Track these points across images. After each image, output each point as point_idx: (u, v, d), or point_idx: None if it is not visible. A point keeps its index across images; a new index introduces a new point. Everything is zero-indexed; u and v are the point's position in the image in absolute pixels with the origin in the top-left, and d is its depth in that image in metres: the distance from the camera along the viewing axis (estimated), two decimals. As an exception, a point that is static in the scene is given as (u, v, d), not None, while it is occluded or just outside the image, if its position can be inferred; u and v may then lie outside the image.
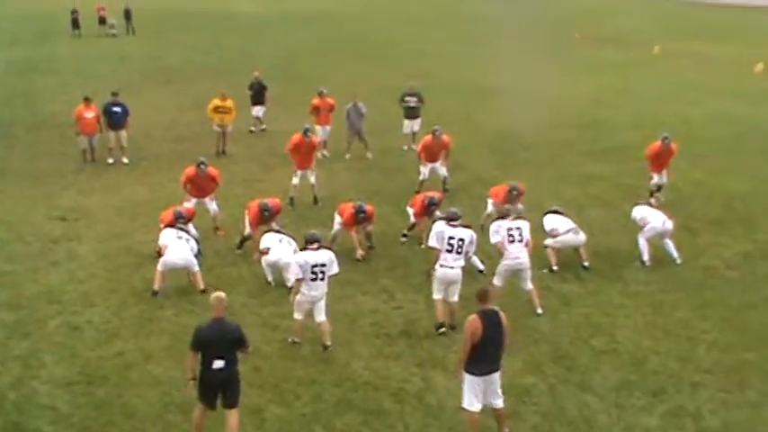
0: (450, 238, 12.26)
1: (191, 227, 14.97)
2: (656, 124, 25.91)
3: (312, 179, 18.33)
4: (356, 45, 45.12)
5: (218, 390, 9.32)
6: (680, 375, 11.28)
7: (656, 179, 18.15)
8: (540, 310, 13.08)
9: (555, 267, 14.63)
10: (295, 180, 18.20)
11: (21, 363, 11.53)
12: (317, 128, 22.08)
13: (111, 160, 21.63)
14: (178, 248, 13.88)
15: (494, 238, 13.05)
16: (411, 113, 23.10)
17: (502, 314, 9.40)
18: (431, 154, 18.96)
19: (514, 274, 13.08)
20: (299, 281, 11.71)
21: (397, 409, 10.51)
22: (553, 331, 12.52)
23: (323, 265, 11.65)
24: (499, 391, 9.55)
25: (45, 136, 24.72)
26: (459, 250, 12.25)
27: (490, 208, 15.89)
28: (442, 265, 12.30)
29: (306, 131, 18.21)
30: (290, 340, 12.08)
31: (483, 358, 9.31)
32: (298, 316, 11.97)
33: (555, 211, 15.29)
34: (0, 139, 24.55)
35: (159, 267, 13.75)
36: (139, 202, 18.57)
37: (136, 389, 10.92)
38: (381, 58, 40.26)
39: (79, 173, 20.97)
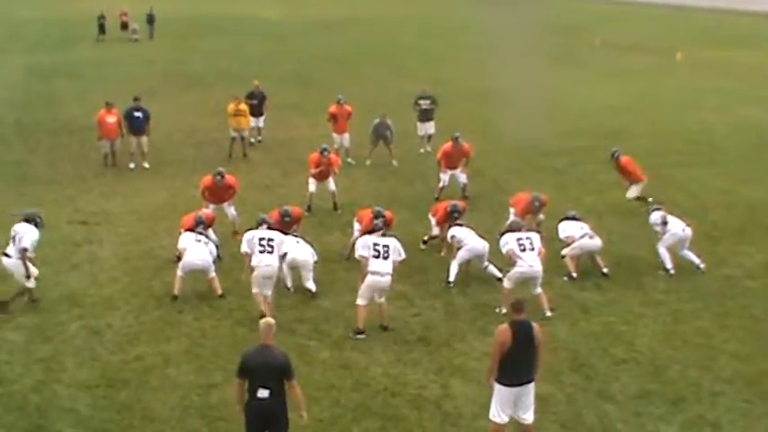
0: (375, 244, 12.60)
1: (210, 232, 15.06)
2: (678, 132, 25.85)
3: (332, 186, 18.37)
4: (375, 51, 45.21)
5: (262, 421, 8.82)
6: (700, 385, 11.22)
7: (632, 191, 18.14)
8: (549, 313, 13.10)
9: (574, 275, 14.61)
10: (311, 187, 18.25)
11: (43, 366, 11.65)
12: (335, 136, 22.12)
13: (132, 165, 21.79)
14: (197, 250, 13.99)
15: (504, 249, 13.23)
16: (425, 116, 23.43)
17: (535, 326, 9.33)
18: (451, 161, 18.98)
19: (526, 281, 13.18)
20: (247, 256, 12.84)
21: (415, 415, 10.52)
22: (572, 339, 12.49)
23: (271, 240, 12.93)
24: (531, 405, 9.40)
25: (67, 140, 24.94)
26: (386, 255, 12.53)
27: (512, 218, 15.81)
28: (373, 273, 12.48)
29: (323, 151, 18.17)
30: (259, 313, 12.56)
31: (513, 369, 9.22)
32: (255, 290, 12.93)
33: (571, 218, 15.28)
34: (22, 143, 24.82)
35: (179, 271, 13.85)
36: (160, 206, 18.70)
37: (156, 393, 11.00)
38: (400, 64, 40.32)
39: (100, 177, 21.13)
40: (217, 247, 14.79)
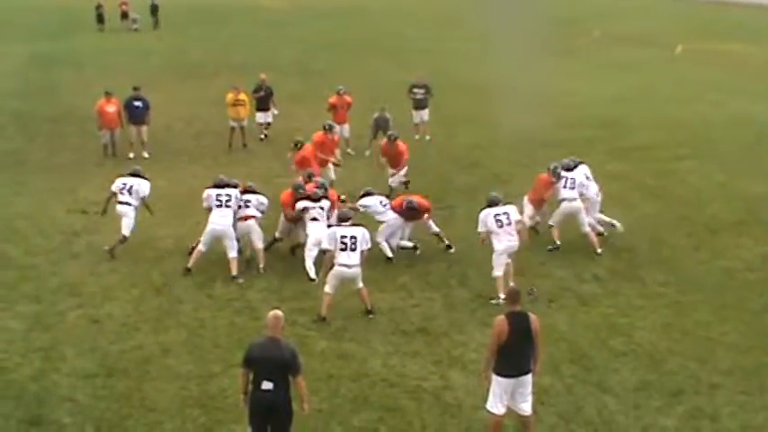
0: (343, 236, 12.64)
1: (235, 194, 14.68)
2: (677, 125, 25.82)
3: (332, 174, 18.39)
4: (373, 41, 45.09)
5: (265, 413, 8.76)
6: (698, 377, 11.23)
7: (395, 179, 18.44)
8: (512, 284, 13.24)
9: (557, 242, 15.19)
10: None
11: (42, 355, 11.65)
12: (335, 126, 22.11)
13: (131, 155, 21.75)
14: (218, 214, 14.30)
15: (481, 228, 13.48)
16: (419, 104, 23.63)
17: (532, 317, 9.31)
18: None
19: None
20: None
21: (414, 406, 10.53)
22: (571, 331, 12.49)
23: (248, 201, 14.57)
24: (530, 396, 9.42)
25: (66, 129, 24.90)
26: (354, 247, 12.62)
27: (526, 207, 15.73)
28: (340, 264, 12.61)
29: (327, 127, 18.43)
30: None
31: (511, 360, 9.21)
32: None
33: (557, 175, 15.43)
34: (22, 132, 24.78)
35: (201, 246, 14.22)
36: (159, 196, 18.51)
37: (155, 382, 11.01)
38: (398, 54, 40.18)
39: (100, 167, 21.10)
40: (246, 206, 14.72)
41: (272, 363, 8.68)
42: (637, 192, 19.07)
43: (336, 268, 12.63)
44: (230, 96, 22.77)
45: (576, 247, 15.52)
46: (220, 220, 14.20)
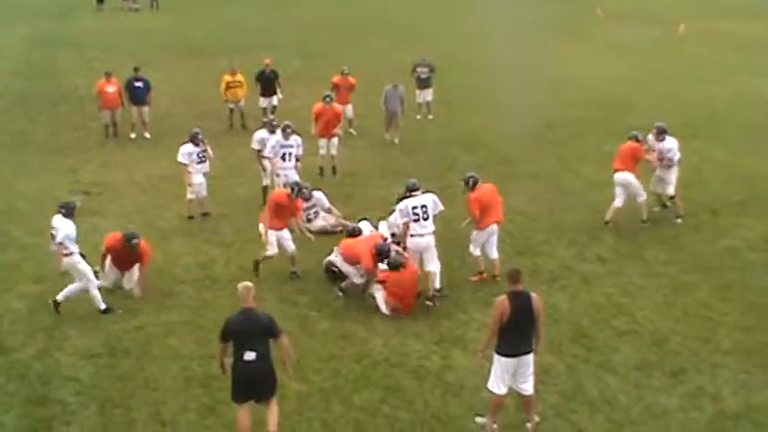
0: (414, 207, 12.66)
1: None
2: (680, 104, 25.70)
3: (334, 150, 18.42)
4: (375, 22, 44.78)
5: (250, 384, 8.95)
6: (700, 356, 11.24)
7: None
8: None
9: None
10: (322, 151, 18.49)
11: (45, 335, 11.71)
12: (336, 106, 21.99)
13: (133, 135, 21.75)
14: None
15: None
16: (423, 84, 23.54)
17: (534, 296, 9.32)
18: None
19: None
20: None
21: (416, 386, 10.56)
22: (573, 311, 12.50)
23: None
24: (531, 376, 9.44)
25: (68, 110, 24.86)
26: (426, 216, 12.64)
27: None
28: (412, 235, 12.66)
29: (325, 98, 18.52)
30: None
31: (512, 340, 9.23)
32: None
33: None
34: (23, 113, 24.74)
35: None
36: (161, 177, 18.67)
37: (157, 362, 11.07)
38: (400, 35, 39.91)
39: (101, 147, 21.10)
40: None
41: (250, 331, 8.85)
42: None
43: (410, 240, 12.71)
44: (227, 78, 22.68)
45: (578, 227, 15.52)
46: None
